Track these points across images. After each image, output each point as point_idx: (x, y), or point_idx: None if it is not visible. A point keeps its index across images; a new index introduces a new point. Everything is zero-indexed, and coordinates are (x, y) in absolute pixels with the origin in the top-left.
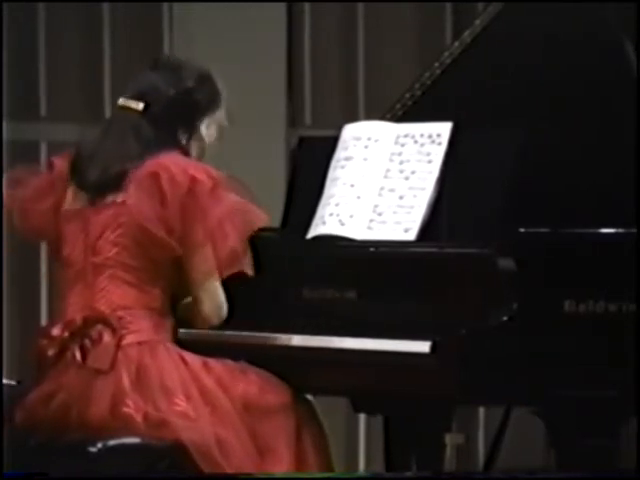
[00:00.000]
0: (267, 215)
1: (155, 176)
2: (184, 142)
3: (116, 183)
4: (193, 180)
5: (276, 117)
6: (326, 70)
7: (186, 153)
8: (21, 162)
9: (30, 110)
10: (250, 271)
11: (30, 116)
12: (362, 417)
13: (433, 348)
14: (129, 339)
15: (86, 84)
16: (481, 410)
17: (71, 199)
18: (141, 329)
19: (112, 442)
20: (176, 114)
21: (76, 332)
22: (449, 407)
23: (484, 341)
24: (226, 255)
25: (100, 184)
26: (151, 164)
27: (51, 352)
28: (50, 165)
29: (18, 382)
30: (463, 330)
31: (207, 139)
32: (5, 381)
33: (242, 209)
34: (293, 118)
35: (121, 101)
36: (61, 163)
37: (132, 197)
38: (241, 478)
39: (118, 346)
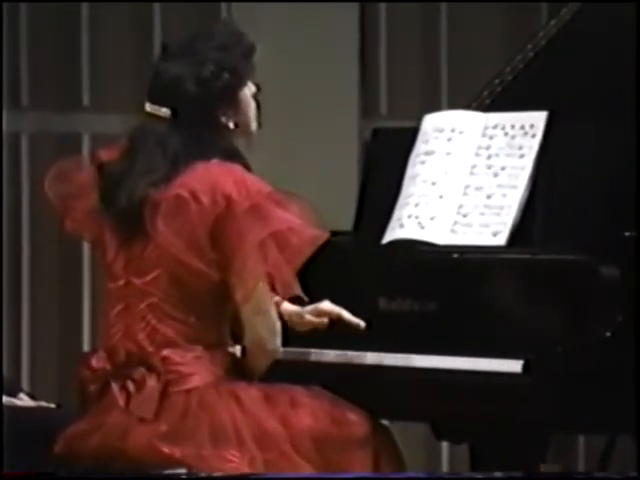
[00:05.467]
0: (326, 232)
1: (181, 199)
2: (227, 121)
3: (141, 214)
4: (226, 199)
5: (348, 106)
6: (404, 53)
7: (227, 155)
8: (64, 155)
9: (73, 100)
10: (299, 292)
11: (72, 107)
12: (445, 445)
13: (526, 367)
14: (176, 387)
15: (133, 71)
16: (581, 437)
17: None
18: (189, 374)
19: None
20: (210, 107)
21: (118, 367)
22: (544, 434)
23: (584, 359)
24: (270, 281)
25: (127, 213)
26: (177, 184)
27: (93, 387)
28: (96, 159)
29: (58, 405)
30: (560, 347)
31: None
32: (44, 404)
33: (289, 228)
34: (366, 107)
35: (148, 107)
36: (109, 157)
37: (159, 225)
38: (243, 478)
39: (163, 393)
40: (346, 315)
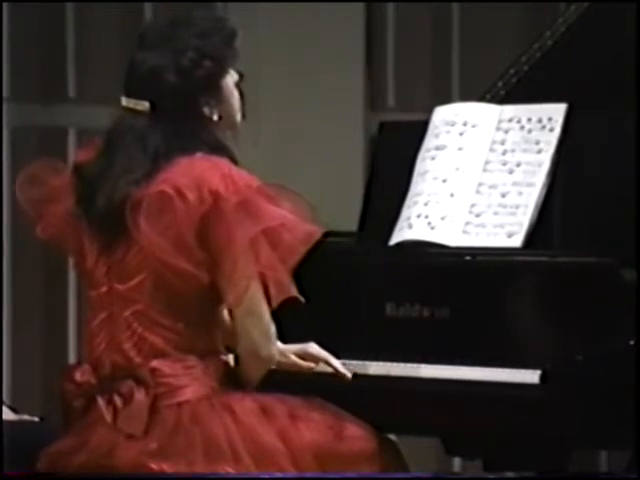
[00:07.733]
0: (323, 228)
1: (164, 196)
2: (211, 112)
3: (122, 215)
4: (213, 195)
5: (353, 98)
6: (413, 41)
7: (212, 148)
8: (48, 150)
9: (57, 92)
10: (296, 293)
11: (57, 99)
12: (457, 462)
13: (543, 378)
14: (166, 400)
15: (122, 61)
16: (603, 453)
17: None
18: (180, 386)
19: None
20: (191, 98)
21: (104, 380)
22: (563, 450)
23: (605, 370)
24: (263, 282)
25: (107, 215)
26: (160, 180)
27: (77, 403)
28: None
29: (41, 419)
30: (579, 356)
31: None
32: (27, 417)
33: (282, 224)
34: (373, 99)
35: (124, 101)
36: (86, 157)
37: (141, 225)
38: (239, 478)
39: (153, 407)
40: (333, 362)
